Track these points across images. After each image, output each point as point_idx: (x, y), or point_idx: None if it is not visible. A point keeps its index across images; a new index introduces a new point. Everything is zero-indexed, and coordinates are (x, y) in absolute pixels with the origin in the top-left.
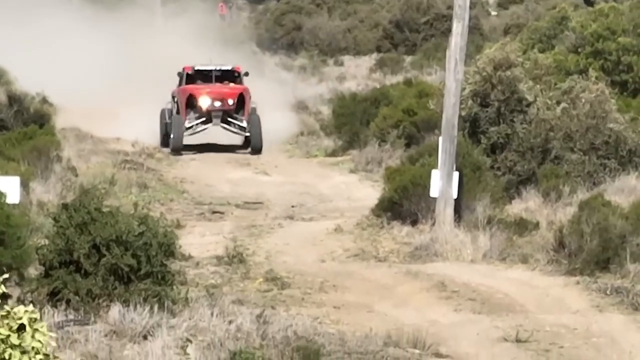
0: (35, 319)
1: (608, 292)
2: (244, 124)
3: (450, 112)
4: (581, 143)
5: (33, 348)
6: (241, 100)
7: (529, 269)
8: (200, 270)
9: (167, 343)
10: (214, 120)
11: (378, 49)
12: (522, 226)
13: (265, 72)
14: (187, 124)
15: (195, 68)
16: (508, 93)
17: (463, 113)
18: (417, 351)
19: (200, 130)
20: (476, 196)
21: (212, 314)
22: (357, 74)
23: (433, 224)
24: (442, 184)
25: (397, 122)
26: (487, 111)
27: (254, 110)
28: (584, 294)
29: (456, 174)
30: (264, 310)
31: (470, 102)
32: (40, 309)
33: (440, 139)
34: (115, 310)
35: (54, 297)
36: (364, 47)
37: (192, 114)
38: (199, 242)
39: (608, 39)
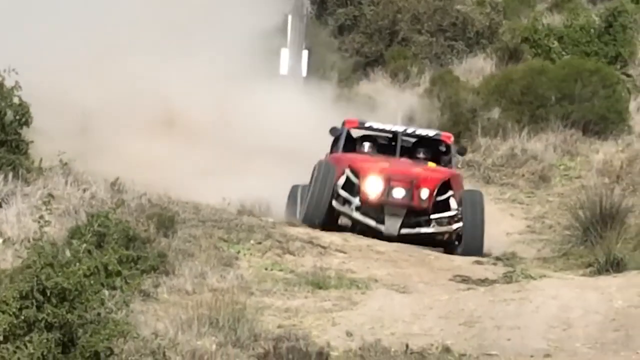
0: None
1: (459, 166)
2: (453, 212)
3: None
4: (429, 25)
5: None
6: (443, 192)
7: None
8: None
9: (22, 210)
10: (388, 222)
11: None
12: (370, 104)
13: None
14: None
15: (366, 124)
16: None
17: None
18: (270, 220)
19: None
20: (324, 75)
21: (66, 183)
22: None
23: None
24: (291, 62)
25: None
26: None
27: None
28: None
29: (305, 53)
30: (118, 178)
31: None
32: None
33: (290, 16)
34: None
35: None
36: None
37: (346, 204)
38: None
39: None
